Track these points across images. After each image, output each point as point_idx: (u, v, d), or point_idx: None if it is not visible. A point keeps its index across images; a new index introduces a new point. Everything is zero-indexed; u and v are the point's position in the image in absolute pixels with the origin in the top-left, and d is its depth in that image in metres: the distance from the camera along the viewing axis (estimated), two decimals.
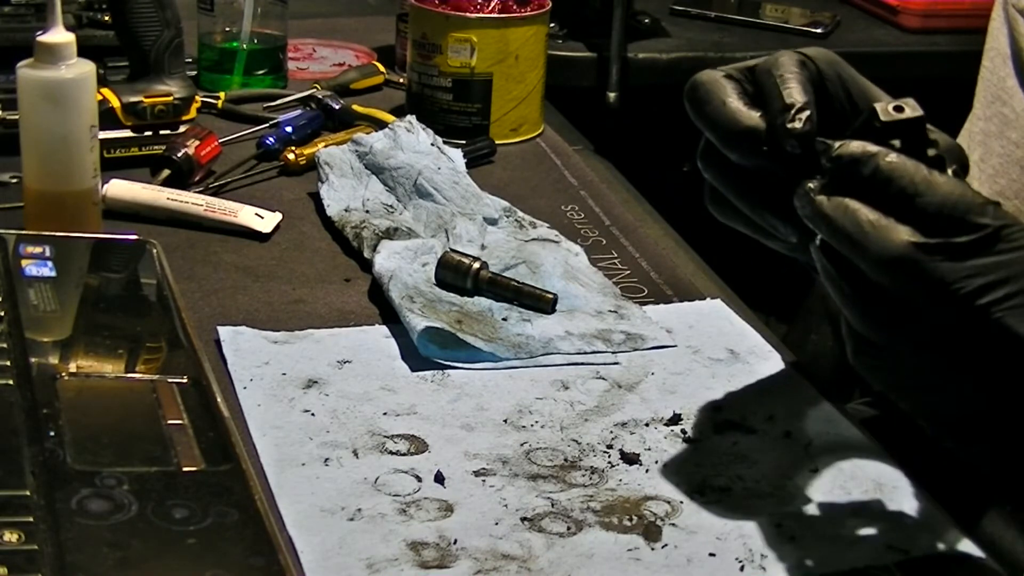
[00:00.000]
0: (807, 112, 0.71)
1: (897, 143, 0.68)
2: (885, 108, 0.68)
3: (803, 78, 0.72)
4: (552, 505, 0.78)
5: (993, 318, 0.64)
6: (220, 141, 1.24)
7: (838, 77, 0.74)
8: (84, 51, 1.02)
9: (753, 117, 0.72)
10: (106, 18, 1.42)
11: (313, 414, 0.86)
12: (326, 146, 1.22)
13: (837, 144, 0.67)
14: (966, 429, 0.70)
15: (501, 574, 0.72)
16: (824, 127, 0.71)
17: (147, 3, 1.21)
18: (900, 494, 0.80)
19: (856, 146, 0.67)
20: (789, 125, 0.70)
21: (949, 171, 0.68)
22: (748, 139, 0.72)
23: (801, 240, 0.73)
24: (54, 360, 0.83)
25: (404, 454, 0.82)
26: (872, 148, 0.67)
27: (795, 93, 0.71)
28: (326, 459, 0.81)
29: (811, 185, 0.68)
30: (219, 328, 0.94)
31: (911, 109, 0.69)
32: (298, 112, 1.36)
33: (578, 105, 1.60)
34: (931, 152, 0.69)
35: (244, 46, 1.45)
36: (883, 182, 0.65)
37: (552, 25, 1.46)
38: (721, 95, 0.73)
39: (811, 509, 0.79)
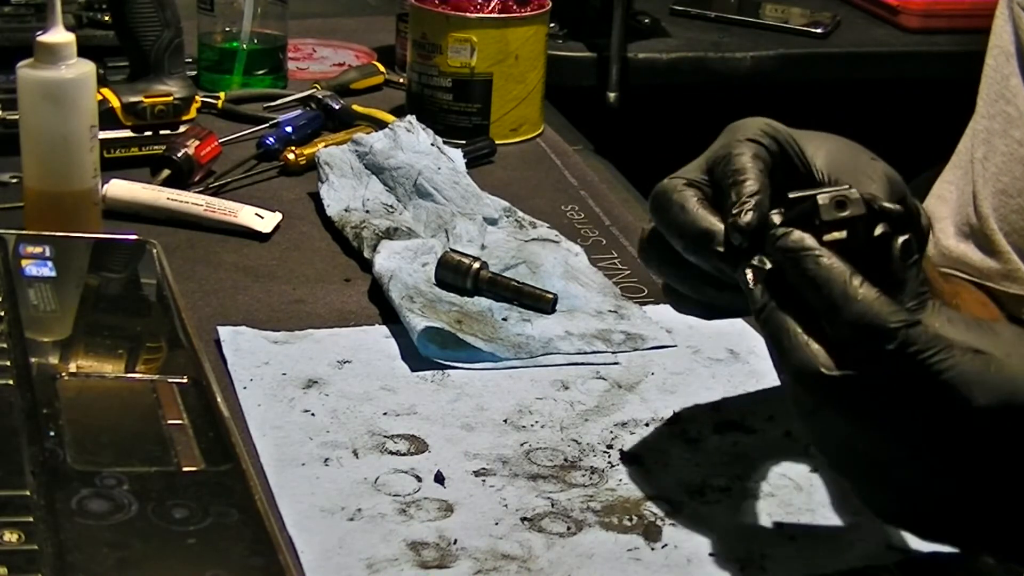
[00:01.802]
0: (752, 203, 0.70)
1: (843, 234, 0.67)
2: (827, 205, 0.67)
3: (757, 167, 0.72)
4: (552, 505, 0.78)
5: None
6: (220, 141, 1.24)
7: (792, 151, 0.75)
8: (84, 51, 1.02)
9: (710, 219, 0.72)
10: (106, 18, 1.43)
11: (313, 414, 0.86)
12: (326, 146, 1.22)
13: (780, 231, 0.67)
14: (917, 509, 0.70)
15: (501, 574, 0.72)
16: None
17: (147, 3, 1.21)
18: None
19: (795, 239, 0.66)
20: (739, 220, 0.70)
21: (897, 244, 0.67)
22: (705, 240, 0.72)
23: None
24: (54, 360, 0.83)
25: (404, 454, 0.82)
26: (808, 243, 0.66)
27: (746, 187, 0.71)
28: (326, 459, 0.81)
29: (748, 272, 0.68)
30: (219, 328, 0.94)
31: (853, 207, 0.67)
32: (298, 112, 1.36)
33: (578, 105, 1.60)
34: (879, 230, 0.67)
35: (244, 46, 1.45)
36: (811, 286, 0.65)
37: (552, 25, 1.46)
38: (680, 201, 0.73)
39: (811, 509, 0.79)
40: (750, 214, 0.70)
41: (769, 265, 0.68)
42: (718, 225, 0.72)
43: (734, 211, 0.70)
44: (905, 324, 0.63)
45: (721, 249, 0.71)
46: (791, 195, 0.70)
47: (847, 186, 0.69)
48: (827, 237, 0.67)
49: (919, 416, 0.64)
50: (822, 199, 0.67)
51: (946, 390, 0.63)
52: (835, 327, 0.64)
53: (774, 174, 0.73)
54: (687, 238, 0.73)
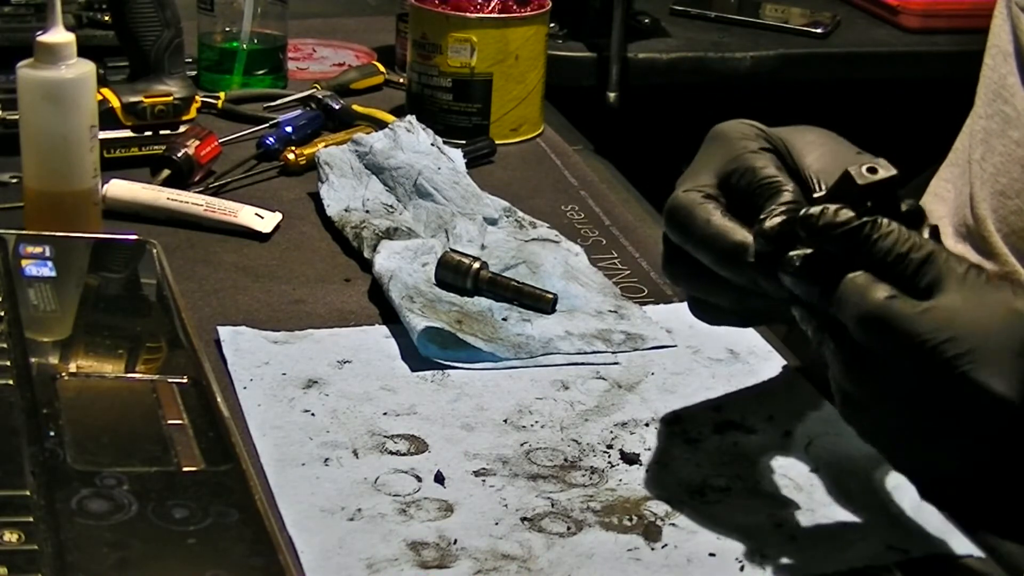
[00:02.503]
0: (781, 209, 0.70)
1: (869, 204, 0.68)
2: (860, 171, 0.68)
3: (784, 175, 0.73)
4: (552, 505, 0.78)
5: (959, 372, 0.64)
6: (220, 141, 1.24)
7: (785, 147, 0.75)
8: (84, 51, 1.02)
9: (740, 231, 0.72)
10: (106, 18, 1.43)
11: (313, 414, 0.86)
12: (326, 146, 1.22)
13: (817, 210, 0.67)
14: (947, 488, 0.70)
15: (501, 574, 0.72)
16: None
17: (147, 3, 1.21)
18: (900, 494, 0.80)
19: (842, 214, 0.67)
20: (766, 225, 0.70)
21: (925, 231, 0.69)
22: (738, 253, 0.72)
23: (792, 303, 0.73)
24: (54, 360, 0.83)
25: (404, 454, 0.82)
26: (847, 214, 0.67)
27: (784, 195, 0.72)
28: (326, 459, 0.81)
29: (794, 255, 0.69)
30: (219, 328, 0.94)
31: (884, 169, 0.68)
32: (298, 112, 1.36)
33: (578, 105, 1.60)
34: (904, 207, 0.69)
35: (244, 46, 1.45)
36: (878, 250, 0.67)
37: (552, 25, 1.46)
38: (704, 215, 0.73)
39: (811, 509, 0.79)
40: (778, 218, 0.70)
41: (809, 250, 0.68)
42: (749, 237, 0.71)
43: (764, 217, 0.70)
44: (972, 264, 0.67)
45: (753, 260, 0.71)
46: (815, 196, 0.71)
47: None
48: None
49: None
50: (852, 169, 0.68)
51: None
52: (900, 270, 0.66)
53: None
54: (718, 252, 0.72)
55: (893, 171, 0.69)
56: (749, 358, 0.95)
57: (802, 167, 0.75)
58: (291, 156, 1.25)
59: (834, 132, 0.78)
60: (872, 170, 0.68)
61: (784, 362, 0.95)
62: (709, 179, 0.75)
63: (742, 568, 0.73)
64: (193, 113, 1.26)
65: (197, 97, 1.28)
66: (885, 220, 0.67)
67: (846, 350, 0.68)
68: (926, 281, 0.66)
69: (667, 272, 0.78)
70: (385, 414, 0.86)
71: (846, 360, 0.68)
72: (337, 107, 1.38)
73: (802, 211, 0.68)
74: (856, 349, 0.67)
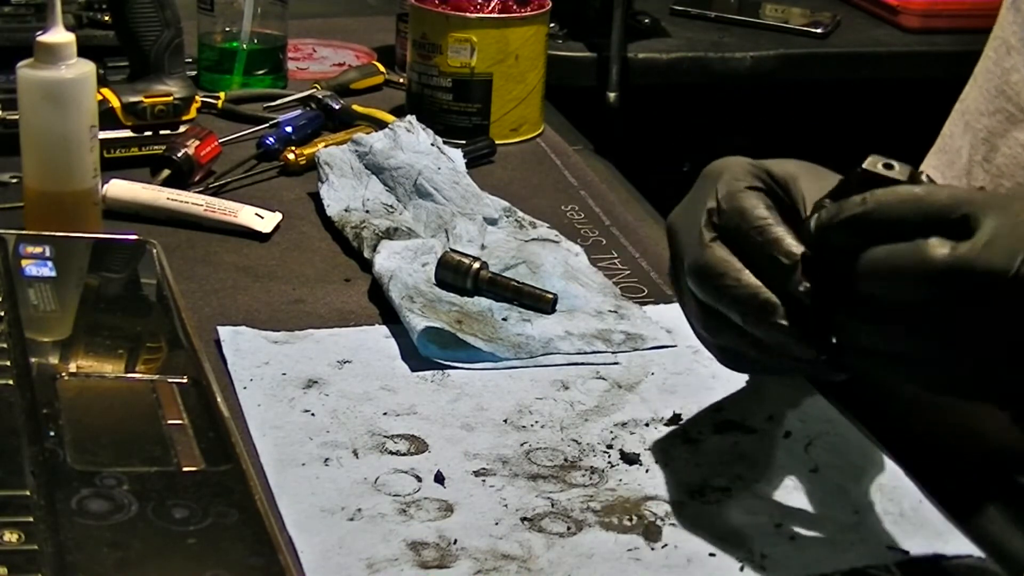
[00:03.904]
0: (799, 271, 0.71)
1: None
2: (874, 163, 0.69)
3: (776, 217, 0.73)
4: (552, 505, 0.78)
5: None
6: (220, 141, 1.24)
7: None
8: (84, 51, 1.02)
9: (765, 291, 0.72)
10: (106, 18, 1.43)
11: (313, 414, 0.86)
12: (326, 146, 1.22)
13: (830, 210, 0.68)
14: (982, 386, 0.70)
15: (501, 574, 0.72)
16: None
17: (147, 3, 1.21)
18: (900, 494, 0.80)
19: (832, 206, 0.68)
20: (799, 290, 0.70)
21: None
22: (767, 313, 0.72)
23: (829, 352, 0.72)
24: (54, 360, 0.83)
25: (404, 454, 0.82)
26: (857, 198, 0.68)
27: (785, 245, 0.71)
28: (326, 459, 0.81)
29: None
30: (219, 328, 0.94)
31: (901, 167, 0.69)
32: (298, 112, 1.36)
33: (578, 105, 1.60)
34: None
35: (244, 46, 1.45)
36: (889, 214, 0.67)
37: (552, 25, 1.46)
38: (730, 272, 0.73)
39: (811, 509, 0.79)
40: (804, 285, 0.70)
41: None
42: (775, 298, 0.71)
43: (795, 283, 0.70)
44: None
45: (785, 323, 0.71)
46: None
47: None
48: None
49: None
50: (868, 163, 0.68)
51: None
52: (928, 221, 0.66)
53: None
54: (747, 312, 0.72)
55: (909, 169, 0.69)
56: None
57: (802, 200, 0.75)
58: (291, 156, 1.25)
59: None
60: (888, 166, 0.69)
61: None
62: (706, 218, 0.75)
63: (742, 568, 0.73)
64: (193, 113, 1.26)
65: (197, 97, 1.28)
66: (879, 190, 0.67)
67: (906, 318, 0.67)
68: (958, 216, 0.65)
69: (694, 324, 0.78)
70: (385, 414, 0.86)
71: (914, 326, 0.67)
72: (337, 107, 1.38)
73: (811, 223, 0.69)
74: (924, 312, 0.66)
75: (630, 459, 0.83)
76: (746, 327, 0.73)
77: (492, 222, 1.12)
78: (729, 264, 0.73)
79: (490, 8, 1.36)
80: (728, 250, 0.74)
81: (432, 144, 1.20)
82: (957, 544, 0.76)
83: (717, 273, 0.73)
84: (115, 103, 1.22)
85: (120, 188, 1.13)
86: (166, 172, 1.18)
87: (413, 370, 0.92)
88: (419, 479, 0.80)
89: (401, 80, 1.49)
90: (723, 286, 0.73)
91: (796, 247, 0.71)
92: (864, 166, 0.69)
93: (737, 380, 0.93)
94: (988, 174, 0.99)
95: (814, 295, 0.70)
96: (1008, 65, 0.99)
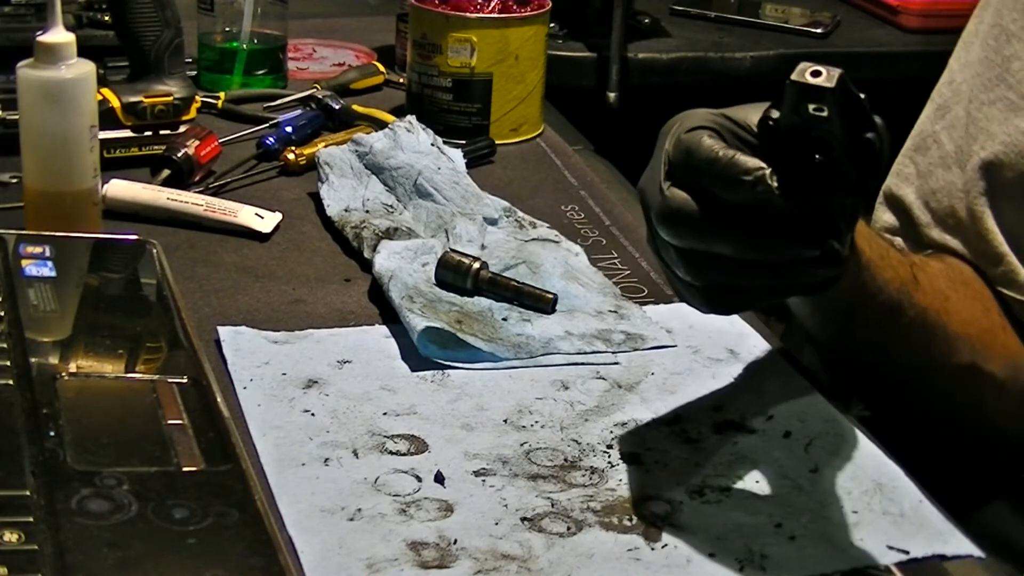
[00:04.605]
0: (767, 174, 0.73)
1: (825, 112, 0.72)
2: (802, 72, 0.72)
3: (721, 144, 0.75)
4: (552, 505, 0.78)
5: None
6: (220, 141, 1.24)
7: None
8: (84, 51, 1.02)
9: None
10: (106, 18, 1.42)
11: (313, 414, 0.86)
12: (326, 146, 1.22)
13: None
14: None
15: (501, 574, 0.72)
16: None
17: (147, 3, 1.21)
18: (900, 494, 0.80)
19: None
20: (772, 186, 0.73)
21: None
22: (755, 170, 0.74)
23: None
24: (54, 360, 0.83)
25: (404, 454, 0.82)
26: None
27: (742, 166, 0.74)
28: (326, 459, 0.81)
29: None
30: (219, 328, 0.94)
31: (827, 73, 0.72)
32: (298, 112, 1.36)
33: (578, 105, 1.60)
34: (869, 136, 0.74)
35: (244, 46, 1.45)
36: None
37: (552, 25, 1.46)
38: (713, 144, 0.76)
39: (811, 509, 0.79)
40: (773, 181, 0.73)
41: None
42: (754, 160, 0.74)
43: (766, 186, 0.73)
44: None
45: (774, 183, 0.72)
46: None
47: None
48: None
49: None
50: (796, 73, 0.72)
51: None
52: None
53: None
54: (730, 182, 0.74)
55: (837, 73, 0.72)
56: (749, 358, 0.95)
57: (750, 123, 0.76)
58: (291, 156, 1.25)
59: None
60: (816, 73, 0.70)
61: (784, 362, 0.95)
62: (665, 171, 0.78)
63: (742, 568, 0.73)
64: (193, 113, 1.26)
65: (197, 97, 1.28)
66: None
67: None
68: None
69: (664, 226, 0.79)
70: (385, 414, 0.86)
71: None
72: (337, 107, 1.38)
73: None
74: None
75: (630, 459, 0.83)
76: (735, 195, 0.74)
77: (492, 222, 1.12)
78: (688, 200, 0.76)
79: (490, 8, 1.36)
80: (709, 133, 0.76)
81: (432, 144, 1.20)
82: (957, 544, 0.76)
83: (681, 201, 0.76)
84: (115, 103, 1.22)
85: (120, 188, 1.13)
86: (166, 172, 1.18)
87: (413, 370, 0.92)
88: (419, 479, 0.80)
89: (401, 80, 1.49)
90: (700, 152, 0.75)
91: (755, 161, 0.73)
92: (793, 77, 0.71)
93: (737, 380, 0.93)
94: (984, 162, 0.97)
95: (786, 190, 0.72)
96: (1008, 53, 0.97)
